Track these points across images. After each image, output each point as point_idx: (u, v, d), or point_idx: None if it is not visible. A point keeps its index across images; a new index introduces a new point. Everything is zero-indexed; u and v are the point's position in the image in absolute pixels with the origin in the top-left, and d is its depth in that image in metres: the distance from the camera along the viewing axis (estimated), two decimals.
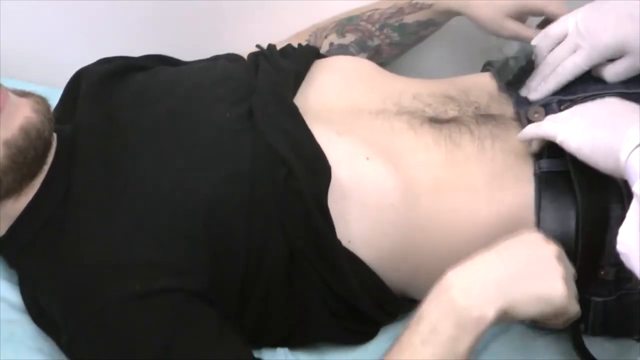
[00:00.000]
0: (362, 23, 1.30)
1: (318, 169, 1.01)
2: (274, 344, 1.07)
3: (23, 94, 1.00)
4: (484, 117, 1.07)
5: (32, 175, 1.00)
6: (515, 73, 1.09)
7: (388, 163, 1.03)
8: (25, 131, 0.97)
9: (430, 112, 1.08)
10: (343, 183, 1.01)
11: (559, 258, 0.90)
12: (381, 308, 1.06)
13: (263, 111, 1.05)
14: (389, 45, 1.32)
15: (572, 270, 0.93)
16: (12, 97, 0.97)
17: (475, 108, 1.08)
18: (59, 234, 1.00)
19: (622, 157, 0.86)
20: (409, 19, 1.29)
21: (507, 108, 1.09)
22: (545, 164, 1.03)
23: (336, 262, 1.01)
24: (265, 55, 1.16)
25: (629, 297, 1.01)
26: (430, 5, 1.27)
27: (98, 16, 1.35)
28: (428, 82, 1.16)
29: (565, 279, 0.89)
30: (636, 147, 0.86)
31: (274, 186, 1.00)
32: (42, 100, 1.00)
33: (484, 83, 1.15)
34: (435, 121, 1.07)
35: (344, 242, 1.01)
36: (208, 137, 1.04)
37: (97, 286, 0.95)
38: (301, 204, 1.00)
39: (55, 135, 1.04)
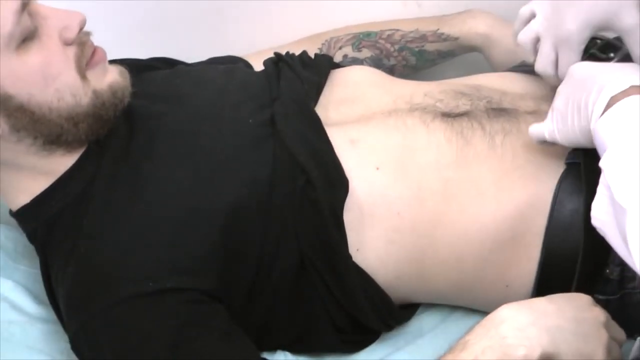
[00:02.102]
0: (381, 41, 1.31)
1: (336, 181, 1.02)
2: (274, 348, 1.08)
3: (110, 62, 1.04)
4: (496, 111, 1.07)
5: (95, 134, 1.01)
6: None
7: (397, 170, 1.03)
8: (112, 90, 1.01)
9: (442, 106, 1.08)
10: (354, 194, 1.02)
11: (605, 325, 0.92)
12: (383, 321, 1.07)
13: (285, 118, 1.05)
14: (404, 67, 1.34)
15: (622, 335, 0.94)
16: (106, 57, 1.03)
17: (487, 102, 1.08)
18: (77, 223, 0.99)
19: (592, 129, 0.88)
20: (431, 47, 1.31)
21: (520, 102, 1.09)
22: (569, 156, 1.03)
23: (344, 274, 1.01)
24: (288, 63, 1.16)
25: (631, 297, 1.01)
26: (456, 39, 1.29)
27: (98, 16, 1.35)
28: (438, 82, 1.17)
29: (608, 346, 0.90)
30: (598, 117, 0.87)
31: (291, 193, 1.01)
32: (126, 72, 1.04)
33: (493, 80, 1.15)
34: (447, 116, 1.06)
35: (353, 251, 1.02)
36: (230, 141, 1.04)
37: (106, 283, 0.95)
38: (317, 214, 1.00)
39: None
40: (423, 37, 1.31)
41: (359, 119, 1.08)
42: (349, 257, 1.01)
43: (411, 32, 1.31)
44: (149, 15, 1.37)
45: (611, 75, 0.90)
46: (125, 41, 1.36)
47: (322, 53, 1.29)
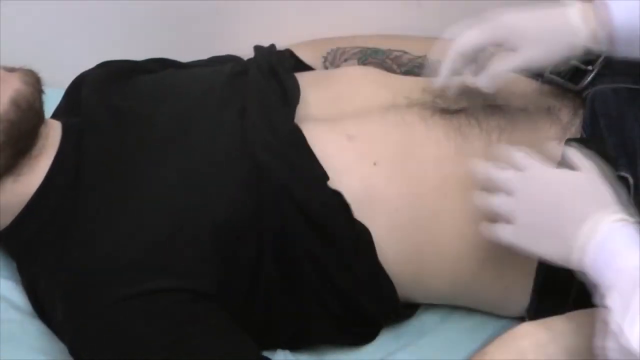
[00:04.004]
0: (388, 61, 1.29)
1: (318, 191, 1.01)
2: (275, 346, 1.07)
3: (12, 69, 1.01)
4: (492, 108, 1.07)
5: (27, 150, 1.00)
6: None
7: (395, 166, 1.03)
8: (16, 104, 0.98)
9: (440, 102, 1.08)
10: (351, 190, 1.01)
11: None
12: (385, 313, 1.07)
13: (256, 137, 1.03)
14: None
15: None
16: (2, 71, 0.99)
17: (484, 99, 1.08)
18: (64, 230, 1.00)
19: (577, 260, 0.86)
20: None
21: (511, 99, 1.09)
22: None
23: (349, 265, 1.01)
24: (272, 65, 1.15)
25: None
26: (461, 73, 1.27)
27: (98, 16, 1.35)
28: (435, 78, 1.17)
29: None
30: (584, 248, 0.84)
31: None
32: (31, 73, 1.01)
33: None
34: (446, 112, 1.06)
35: None
36: (220, 141, 1.04)
37: (102, 285, 0.95)
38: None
39: (60, 125, 1.06)
40: None
41: (357, 114, 1.08)
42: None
43: (419, 57, 1.29)
44: (149, 15, 1.37)
45: (592, 202, 0.87)
46: (125, 41, 1.36)
47: (327, 63, 1.29)
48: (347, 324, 1.06)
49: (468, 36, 1.02)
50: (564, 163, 0.94)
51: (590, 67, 1.08)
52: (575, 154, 0.93)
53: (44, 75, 1.04)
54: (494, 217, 0.94)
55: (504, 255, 1.02)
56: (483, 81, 1.01)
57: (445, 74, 1.04)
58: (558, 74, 1.10)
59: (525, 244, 0.91)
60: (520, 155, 0.94)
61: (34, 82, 1.01)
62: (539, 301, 1.04)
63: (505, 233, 0.93)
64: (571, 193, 0.89)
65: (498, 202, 0.93)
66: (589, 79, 1.08)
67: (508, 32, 1.00)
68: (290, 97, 1.09)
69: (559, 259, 0.88)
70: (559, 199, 0.89)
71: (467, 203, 1.02)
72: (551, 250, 0.89)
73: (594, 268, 0.84)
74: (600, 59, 1.07)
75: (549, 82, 1.11)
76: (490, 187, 0.95)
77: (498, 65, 1.01)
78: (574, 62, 1.09)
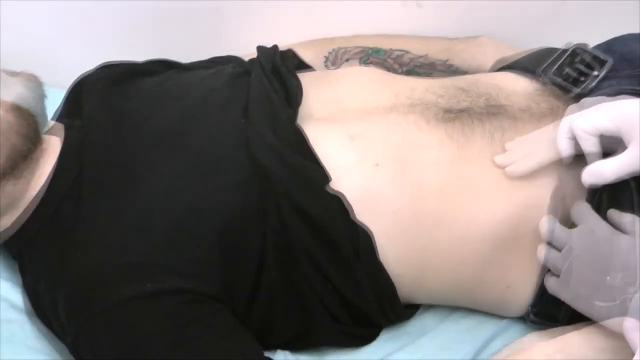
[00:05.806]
0: (389, 60, 1.30)
1: (319, 193, 1.01)
2: (276, 346, 1.07)
3: (14, 73, 1.02)
4: (495, 108, 1.07)
5: (28, 153, 1.01)
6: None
7: (397, 166, 1.03)
8: (17, 107, 0.98)
9: (443, 102, 1.07)
10: (352, 192, 1.01)
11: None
12: (385, 314, 1.07)
13: (258, 137, 1.03)
14: None
15: None
16: (4, 75, 1.00)
17: (486, 99, 1.08)
18: (66, 231, 1.00)
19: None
20: (438, 74, 1.30)
21: (514, 98, 1.09)
22: None
23: (350, 266, 1.01)
24: (277, 67, 1.15)
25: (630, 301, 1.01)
26: (464, 73, 1.28)
27: (98, 16, 1.35)
28: (437, 78, 1.17)
29: None
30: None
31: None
32: (33, 78, 1.02)
33: (489, 76, 1.16)
34: (449, 112, 1.06)
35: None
36: (224, 141, 1.04)
37: (105, 285, 0.95)
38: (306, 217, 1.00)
39: (62, 127, 1.07)
40: (432, 65, 1.30)
41: (359, 114, 1.08)
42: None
43: (420, 57, 1.29)
44: (149, 15, 1.37)
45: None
46: (125, 41, 1.36)
47: (328, 63, 1.29)
48: (347, 324, 1.06)
49: (594, 120, 0.95)
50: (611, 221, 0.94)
51: (595, 73, 1.08)
52: (621, 216, 0.94)
53: (44, 75, 1.04)
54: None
55: (506, 256, 1.03)
56: (585, 178, 0.96)
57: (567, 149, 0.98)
58: (561, 75, 1.10)
59: (565, 297, 0.94)
60: (578, 209, 0.95)
61: (36, 87, 1.02)
62: (543, 297, 1.03)
63: (549, 283, 0.96)
64: (619, 258, 0.89)
65: (546, 255, 0.96)
66: (594, 84, 1.08)
67: (628, 124, 0.92)
68: (292, 97, 1.09)
69: (598, 319, 0.90)
70: (604, 263, 0.90)
71: (468, 205, 1.02)
72: (588, 309, 0.91)
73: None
74: (607, 64, 1.07)
75: (551, 82, 1.11)
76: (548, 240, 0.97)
77: (602, 167, 0.94)
78: (579, 66, 1.09)
